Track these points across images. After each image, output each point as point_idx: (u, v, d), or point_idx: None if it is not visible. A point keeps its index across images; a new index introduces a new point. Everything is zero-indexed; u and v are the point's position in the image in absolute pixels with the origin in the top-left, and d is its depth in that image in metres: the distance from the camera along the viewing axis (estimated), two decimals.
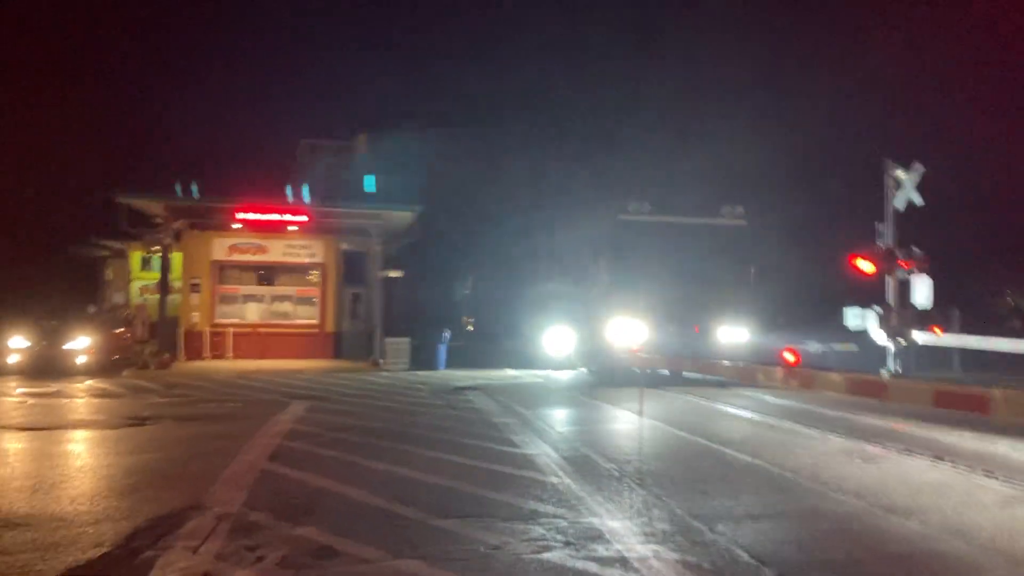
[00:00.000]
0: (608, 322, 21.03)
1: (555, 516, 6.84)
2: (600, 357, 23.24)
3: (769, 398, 17.36)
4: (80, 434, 11.74)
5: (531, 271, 29.05)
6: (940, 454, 9.85)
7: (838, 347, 24.61)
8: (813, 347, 23.99)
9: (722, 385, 19.29)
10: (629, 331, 20.01)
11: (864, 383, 15.73)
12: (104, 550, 5.90)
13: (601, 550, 5.91)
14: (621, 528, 6.50)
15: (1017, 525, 6.65)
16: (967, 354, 24.22)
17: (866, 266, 17.72)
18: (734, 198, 25.11)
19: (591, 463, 9.33)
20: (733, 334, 23.34)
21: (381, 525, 6.56)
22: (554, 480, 8.31)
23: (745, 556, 5.80)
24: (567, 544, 6.05)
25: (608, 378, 21.84)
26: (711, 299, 23.50)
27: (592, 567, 5.52)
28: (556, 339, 25.59)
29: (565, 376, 23.55)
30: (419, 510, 6.96)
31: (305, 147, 30.47)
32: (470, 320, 34.86)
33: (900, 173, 17.96)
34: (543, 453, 9.99)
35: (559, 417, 14.50)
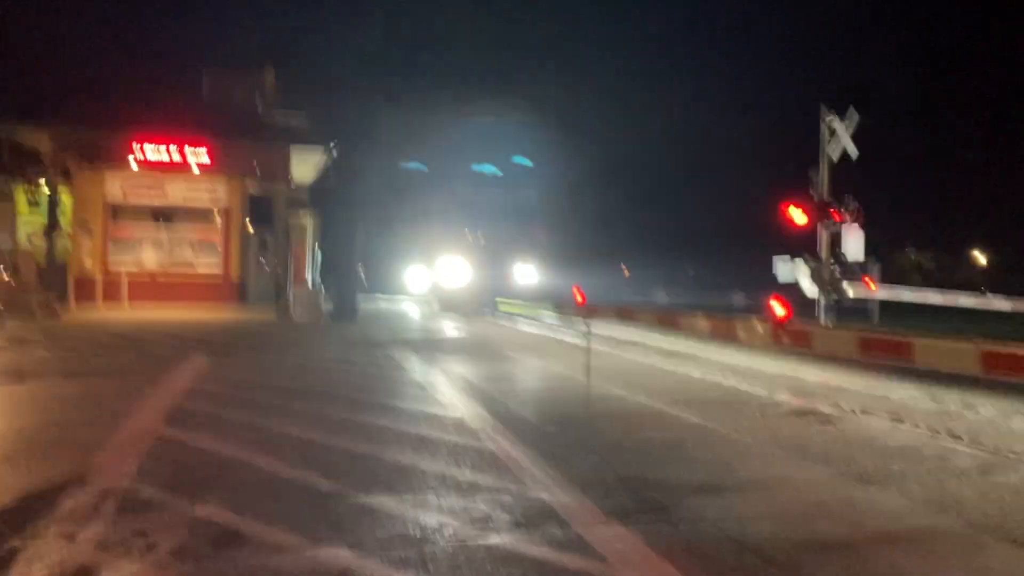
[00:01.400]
0: (442, 268, 30.15)
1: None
2: (438, 293, 30.87)
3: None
4: None
5: (401, 225, 36.14)
6: (898, 413, 9.40)
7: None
8: (738, 299, 24.99)
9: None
10: (457, 273, 29.61)
11: (884, 342, 14.03)
12: None
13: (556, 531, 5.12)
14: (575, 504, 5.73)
15: (1005, 496, 6.12)
16: (883, 306, 24.72)
17: (799, 216, 17.20)
18: None
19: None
20: (526, 274, 31.90)
21: (297, 503, 5.63)
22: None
23: (720, 536, 5.09)
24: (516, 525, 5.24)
25: (449, 307, 28.88)
26: (511, 249, 31.93)
27: (549, 553, 4.73)
28: (414, 278, 34.59)
29: (422, 307, 30.69)
30: (341, 484, 6.05)
31: (210, 78, 28.33)
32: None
33: (835, 121, 17.51)
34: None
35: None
